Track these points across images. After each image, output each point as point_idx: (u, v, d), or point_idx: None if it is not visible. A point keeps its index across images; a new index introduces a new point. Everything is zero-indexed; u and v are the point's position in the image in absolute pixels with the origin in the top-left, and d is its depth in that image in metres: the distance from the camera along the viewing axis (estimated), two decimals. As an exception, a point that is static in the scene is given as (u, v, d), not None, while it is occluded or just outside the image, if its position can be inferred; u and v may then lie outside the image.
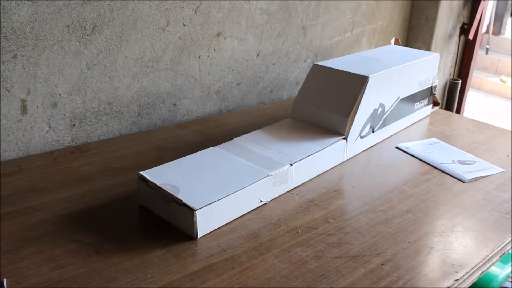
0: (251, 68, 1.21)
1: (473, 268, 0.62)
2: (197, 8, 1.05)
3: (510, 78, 3.97)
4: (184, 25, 1.04)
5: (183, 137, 0.99)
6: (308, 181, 0.81)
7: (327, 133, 0.88)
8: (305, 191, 0.78)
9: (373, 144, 0.97)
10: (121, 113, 1.01)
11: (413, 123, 1.10)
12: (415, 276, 0.59)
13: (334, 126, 0.88)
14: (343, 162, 0.89)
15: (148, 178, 0.69)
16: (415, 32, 1.67)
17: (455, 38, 1.74)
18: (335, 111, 0.89)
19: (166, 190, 0.66)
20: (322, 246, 0.64)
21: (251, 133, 0.88)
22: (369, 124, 0.93)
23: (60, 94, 0.91)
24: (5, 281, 0.54)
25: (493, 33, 4.35)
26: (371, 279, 0.58)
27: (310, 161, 0.80)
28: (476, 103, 3.61)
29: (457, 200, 0.78)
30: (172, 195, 0.65)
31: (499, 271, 1.21)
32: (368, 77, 0.88)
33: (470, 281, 0.62)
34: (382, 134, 0.99)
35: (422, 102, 1.11)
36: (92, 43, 0.91)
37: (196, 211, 0.63)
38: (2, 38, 0.80)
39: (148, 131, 1.04)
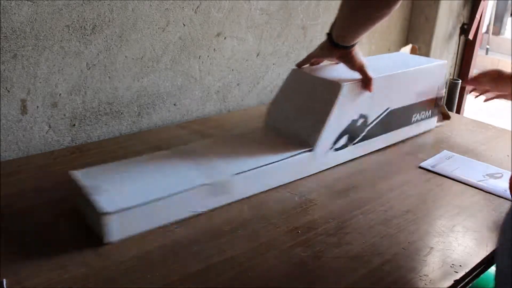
0: (251, 68, 1.21)
1: (473, 268, 0.62)
2: (197, 8, 1.05)
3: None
4: (184, 25, 1.04)
5: (183, 137, 0.99)
6: (262, 192, 0.77)
7: (294, 143, 0.81)
8: (305, 191, 0.78)
9: (354, 157, 0.90)
10: (121, 113, 1.01)
11: (413, 137, 1.02)
12: (415, 276, 0.59)
13: (302, 136, 0.82)
14: (313, 174, 0.83)
15: (76, 177, 0.67)
16: (415, 32, 1.67)
17: (455, 38, 1.74)
18: (304, 120, 0.83)
19: (86, 190, 0.63)
20: (322, 246, 0.64)
21: (218, 137, 0.85)
22: (346, 136, 0.86)
23: (60, 94, 0.90)
24: (5, 281, 0.54)
25: (493, 33, 4.35)
26: (371, 279, 0.58)
27: (262, 172, 0.75)
28: (476, 103, 3.61)
29: (457, 200, 0.78)
30: (90, 196, 0.62)
31: (499, 271, 1.21)
32: (341, 85, 0.81)
33: (470, 281, 0.62)
34: (366, 147, 0.91)
35: (422, 114, 1.02)
36: (92, 43, 0.91)
37: (106, 215, 0.60)
38: (2, 38, 0.80)
39: (148, 131, 1.04)
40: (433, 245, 0.66)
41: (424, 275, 0.59)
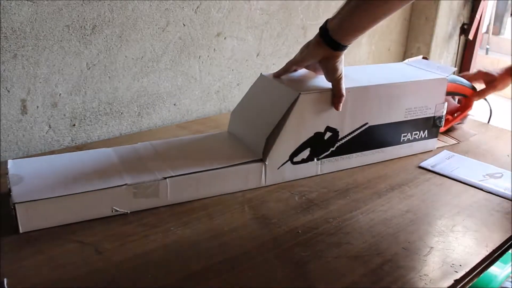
0: (251, 68, 1.21)
1: (473, 268, 0.62)
2: (197, 8, 1.05)
3: (510, 78, 3.97)
4: (184, 25, 1.04)
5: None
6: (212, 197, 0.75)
7: (244, 153, 0.77)
8: (305, 191, 0.78)
9: (322, 173, 0.83)
10: (121, 113, 1.01)
11: (404, 157, 0.92)
12: (415, 276, 0.59)
13: (254, 145, 0.78)
14: (263, 187, 0.79)
15: (7, 166, 0.69)
16: (415, 32, 1.67)
17: (455, 38, 1.75)
18: (257, 128, 0.79)
19: (8, 179, 0.66)
20: (322, 246, 0.64)
21: (172, 139, 0.83)
22: (308, 149, 0.80)
23: (60, 94, 0.90)
24: (5, 281, 0.54)
25: (493, 33, 4.35)
26: (371, 279, 0.58)
27: (197, 179, 0.72)
28: (476, 103, 3.61)
29: (457, 200, 0.78)
30: (10, 185, 0.65)
31: (499, 271, 1.21)
32: (299, 93, 0.75)
33: (470, 281, 0.62)
34: (339, 164, 0.85)
35: (415, 134, 0.91)
36: (92, 43, 0.91)
37: (17, 205, 0.61)
38: (2, 38, 0.80)
39: (148, 131, 1.04)
40: (433, 244, 0.66)
41: (424, 274, 0.59)
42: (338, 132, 0.82)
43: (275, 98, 0.80)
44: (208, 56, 1.11)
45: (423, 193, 0.80)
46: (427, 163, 0.90)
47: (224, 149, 0.80)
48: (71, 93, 0.92)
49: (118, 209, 0.68)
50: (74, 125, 0.94)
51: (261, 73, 0.85)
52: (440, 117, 0.93)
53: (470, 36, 1.74)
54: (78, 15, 0.88)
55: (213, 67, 1.13)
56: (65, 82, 0.90)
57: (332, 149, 0.83)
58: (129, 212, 0.69)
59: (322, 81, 0.80)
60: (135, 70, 0.99)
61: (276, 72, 0.83)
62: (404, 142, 0.91)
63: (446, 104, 0.93)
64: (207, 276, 0.58)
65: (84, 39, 0.90)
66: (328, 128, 0.81)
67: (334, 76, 0.78)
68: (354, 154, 0.86)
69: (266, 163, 0.77)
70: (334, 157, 0.84)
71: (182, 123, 1.08)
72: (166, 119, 1.09)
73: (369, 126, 0.85)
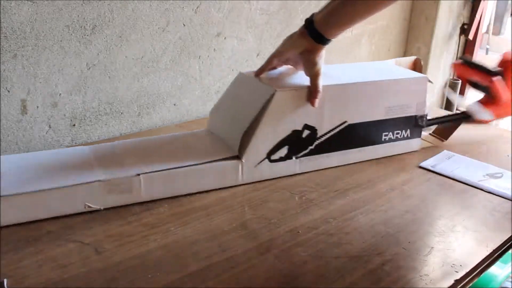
0: (251, 68, 1.21)
1: (473, 268, 0.62)
2: (197, 8, 1.05)
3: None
4: (184, 25, 1.04)
5: (183, 137, 0.99)
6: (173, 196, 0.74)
7: (221, 150, 0.77)
8: (305, 191, 0.78)
9: (302, 171, 0.83)
10: (121, 113, 1.01)
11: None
12: (415, 276, 0.59)
13: (230, 142, 0.78)
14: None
15: None
16: (415, 32, 1.67)
17: (455, 38, 1.75)
18: (233, 126, 0.79)
19: None
20: (322, 246, 0.64)
21: (152, 137, 0.84)
22: (285, 147, 0.80)
23: (60, 94, 0.90)
24: (5, 281, 0.54)
25: (493, 33, 4.35)
26: (371, 279, 0.58)
27: (172, 175, 0.72)
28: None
29: (457, 200, 0.78)
30: None
31: (499, 271, 1.21)
32: (275, 90, 0.75)
33: (470, 281, 0.62)
34: (319, 162, 0.84)
35: (397, 134, 0.91)
36: (92, 43, 0.91)
37: None
38: (2, 38, 0.80)
39: (148, 131, 1.04)
40: (434, 244, 0.66)
41: (425, 274, 0.59)
42: (316, 130, 0.82)
43: (252, 95, 0.80)
44: (208, 56, 1.11)
45: (423, 193, 0.80)
46: (427, 163, 0.90)
47: (201, 146, 0.80)
48: (71, 93, 0.92)
49: (91, 205, 0.68)
50: (74, 125, 0.94)
51: (239, 71, 0.86)
52: (422, 117, 0.92)
53: (470, 36, 1.74)
54: (78, 15, 0.88)
55: (213, 67, 1.13)
56: (65, 82, 0.90)
57: (311, 147, 0.82)
58: (102, 208, 0.69)
59: (300, 78, 0.81)
60: (135, 70, 0.99)
61: (258, 69, 0.83)
62: (386, 141, 0.90)
63: (428, 103, 0.93)
64: (207, 276, 0.58)
65: (84, 39, 0.90)
66: (306, 126, 0.80)
67: (312, 71, 0.78)
68: (334, 153, 0.85)
69: (243, 161, 0.77)
70: (314, 156, 0.83)
71: (182, 123, 1.08)
72: (166, 119, 1.09)
73: (349, 124, 0.84)
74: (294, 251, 0.63)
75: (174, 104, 1.09)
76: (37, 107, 0.89)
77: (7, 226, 0.64)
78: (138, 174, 0.70)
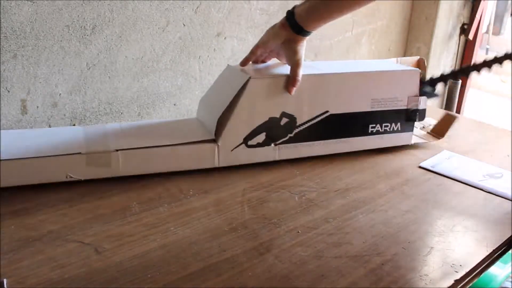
0: (251, 68, 1.21)
1: (473, 268, 0.62)
2: (197, 8, 1.05)
3: (510, 78, 3.97)
4: (184, 25, 1.04)
5: (183, 137, 0.99)
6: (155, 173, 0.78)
7: (200, 134, 0.80)
8: (305, 191, 0.78)
9: (281, 158, 0.84)
10: (121, 113, 1.01)
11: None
12: (415, 276, 0.59)
13: (208, 127, 0.81)
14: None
15: None
16: (415, 32, 1.67)
17: (455, 38, 1.75)
18: (212, 111, 0.81)
19: None
20: (322, 246, 0.64)
21: (142, 121, 0.89)
22: (263, 134, 0.81)
23: (60, 94, 0.91)
24: (5, 281, 0.54)
25: (493, 33, 4.35)
26: (371, 279, 0.58)
27: (149, 154, 0.76)
28: (476, 103, 3.61)
29: (457, 200, 0.78)
30: None
31: (499, 271, 1.21)
32: (249, 77, 0.77)
33: (470, 281, 0.62)
34: (298, 150, 0.85)
35: (387, 127, 0.90)
36: (92, 43, 0.91)
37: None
38: (2, 38, 0.80)
39: (148, 131, 1.04)
40: (433, 244, 0.66)
41: (424, 274, 0.59)
42: (295, 118, 0.83)
43: (230, 83, 0.82)
44: (208, 56, 1.11)
45: (423, 193, 0.80)
46: (427, 163, 0.90)
47: (184, 130, 0.83)
48: (71, 93, 0.92)
49: (72, 175, 0.74)
50: (74, 125, 0.94)
51: (228, 64, 0.88)
52: (414, 111, 0.91)
53: (470, 36, 1.74)
54: (78, 15, 0.88)
55: (213, 67, 1.13)
56: (65, 82, 0.90)
57: (290, 135, 0.83)
58: (82, 179, 0.74)
59: (283, 70, 0.82)
60: (135, 70, 0.99)
61: (243, 59, 0.85)
62: (373, 133, 0.90)
63: (422, 97, 0.91)
64: (207, 276, 0.58)
65: (84, 39, 0.90)
66: (284, 114, 0.81)
67: (293, 59, 0.80)
68: (315, 142, 0.86)
69: (219, 144, 0.79)
70: (293, 144, 0.84)
71: (182, 123, 1.08)
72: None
73: (330, 114, 0.85)
74: (294, 251, 0.63)
75: (174, 104, 1.09)
76: (37, 107, 0.89)
77: (7, 226, 0.64)
78: (117, 150, 0.75)
